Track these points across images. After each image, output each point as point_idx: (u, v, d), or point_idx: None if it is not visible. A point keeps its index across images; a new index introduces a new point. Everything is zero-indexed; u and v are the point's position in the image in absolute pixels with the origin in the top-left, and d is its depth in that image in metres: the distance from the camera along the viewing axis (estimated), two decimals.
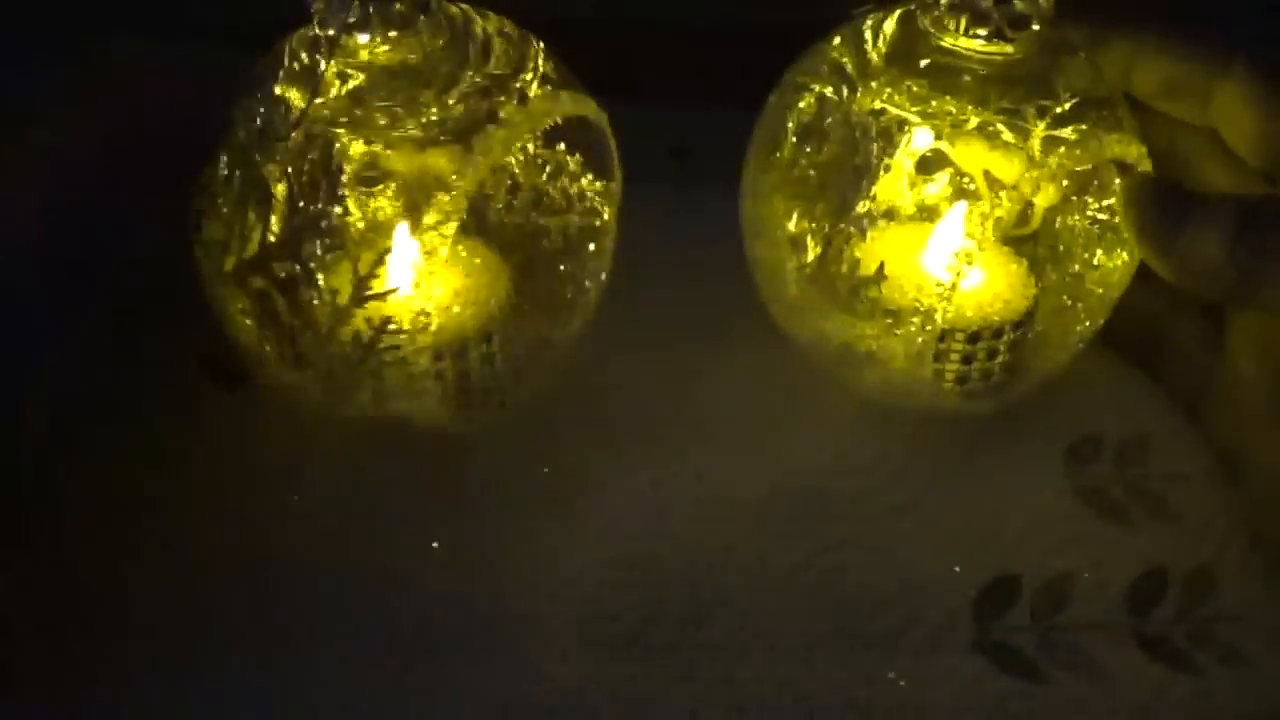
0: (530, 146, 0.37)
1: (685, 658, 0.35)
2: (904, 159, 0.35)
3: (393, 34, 0.33)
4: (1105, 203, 0.37)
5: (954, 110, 0.34)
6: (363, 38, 0.33)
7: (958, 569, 0.37)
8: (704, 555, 0.38)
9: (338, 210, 0.33)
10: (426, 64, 0.33)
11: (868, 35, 0.36)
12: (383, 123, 0.33)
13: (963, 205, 0.35)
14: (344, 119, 0.33)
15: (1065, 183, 0.38)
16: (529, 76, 0.34)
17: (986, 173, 0.34)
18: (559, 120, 0.35)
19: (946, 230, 0.36)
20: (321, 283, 0.33)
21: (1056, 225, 0.39)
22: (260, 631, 0.35)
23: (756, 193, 0.38)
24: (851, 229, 0.35)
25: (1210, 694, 0.35)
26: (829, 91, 0.36)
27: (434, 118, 0.33)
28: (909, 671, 0.35)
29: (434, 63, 0.34)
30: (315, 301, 0.33)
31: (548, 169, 0.38)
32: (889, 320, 0.36)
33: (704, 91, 0.50)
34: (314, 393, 0.36)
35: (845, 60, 0.36)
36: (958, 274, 0.34)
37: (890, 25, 0.36)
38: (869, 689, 0.35)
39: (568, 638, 0.35)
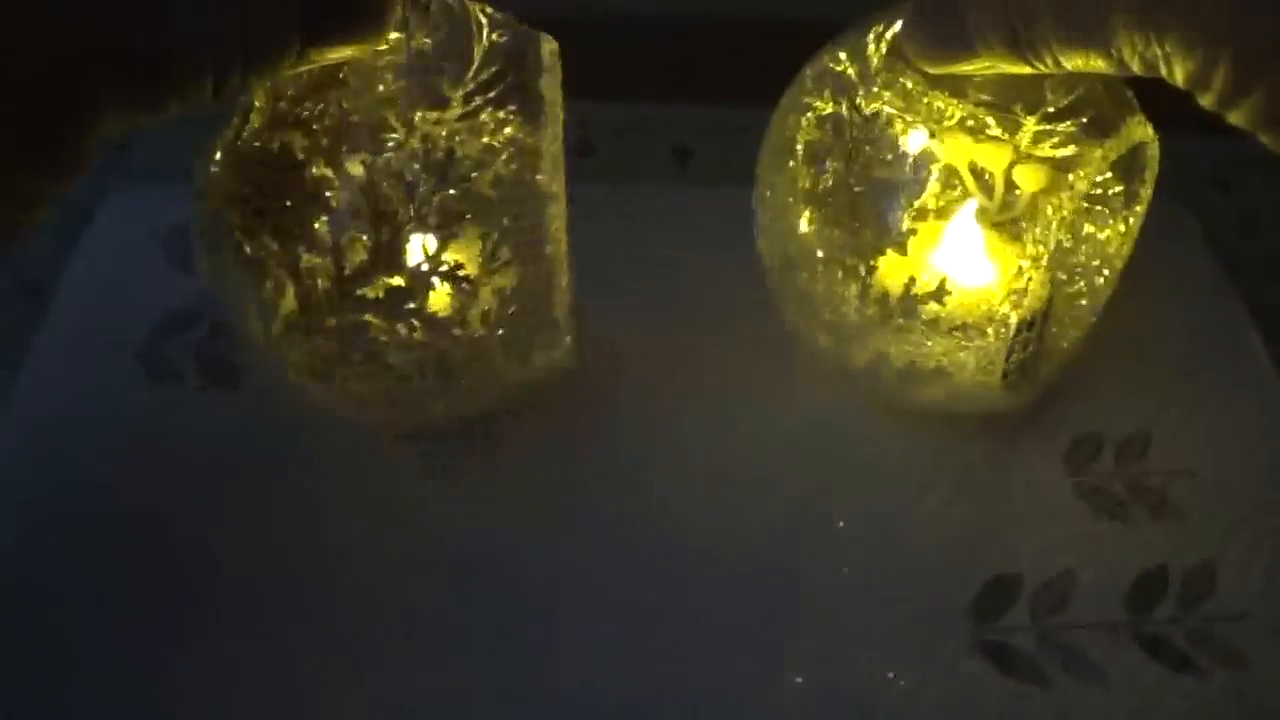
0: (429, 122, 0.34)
1: (684, 657, 0.35)
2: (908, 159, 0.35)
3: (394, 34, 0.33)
4: (1099, 178, 0.37)
5: (942, 104, 0.34)
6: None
7: (958, 569, 0.37)
8: (702, 555, 0.38)
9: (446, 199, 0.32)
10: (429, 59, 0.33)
11: (870, 45, 0.35)
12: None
13: (973, 204, 0.35)
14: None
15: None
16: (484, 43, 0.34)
17: (1010, 173, 0.34)
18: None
19: (960, 231, 0.36)
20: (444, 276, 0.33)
21: (1038, 205, 0.39)
22: (260, 628, 0.35)
23: (786, 225, 0.37)
24: (892, 248, 0.35)
25: (1210, 694, 0.35)
26: (844, 110, 0.35)
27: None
28: (909, 671, 0.35)
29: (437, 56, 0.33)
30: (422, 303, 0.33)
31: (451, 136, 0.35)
32: (959, 334, 0.36)
33: (704, 91, 0.50)
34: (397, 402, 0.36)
35: (850, 71, 0.35)
36: (1030, 279, 0.34)
37: (894, 31, 0.36)
38: (869, 689, 0.35)
39: (566, 636, 0.35)
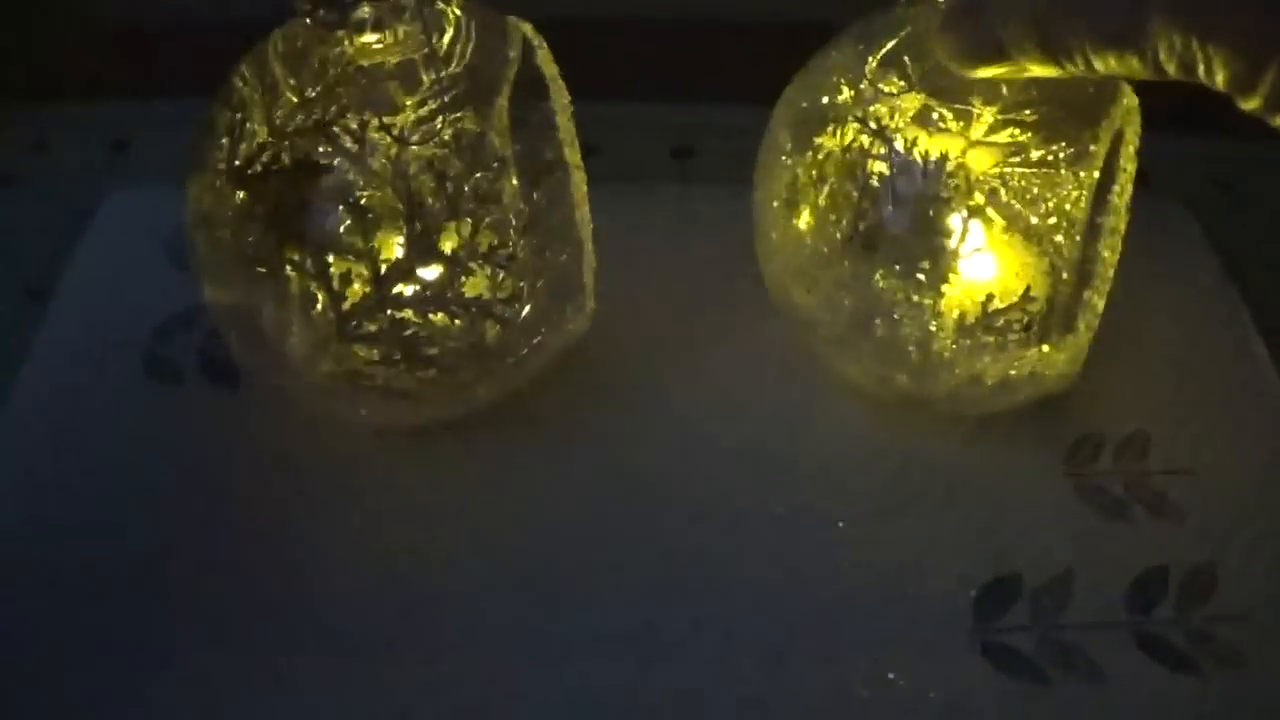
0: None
1: (685, 657, 0.35)
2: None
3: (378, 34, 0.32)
4: (1053, 147, 0.36)
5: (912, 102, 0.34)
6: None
7: (958, 569, 0.37)
8: (703, 555, 0.38)
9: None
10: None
11: (867, 71, 0.35)
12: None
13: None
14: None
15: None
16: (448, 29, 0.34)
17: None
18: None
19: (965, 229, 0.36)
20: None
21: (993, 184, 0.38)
22: (258, 628, 0.35)
23: (843, 282, 0.37)
24: (955, 270, 0.35)
25: (1210, 694, 0.35)
26: (867, 143, 0.35)
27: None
28: (909, 671, 0.35)
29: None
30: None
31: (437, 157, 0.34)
32: (1055, 335, 0.36)
33: (704, 91, 0.50)
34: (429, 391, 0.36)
35: (849, 98, 0.35)
36: (1112, 264, 0.34)
37: (885, 50, 0.36)
38: (869, 689, 0.35)
39: (567, 636, 0.35)
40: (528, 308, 0.36)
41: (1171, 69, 0.28)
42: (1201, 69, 0.28)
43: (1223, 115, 0.29)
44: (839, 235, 0.36)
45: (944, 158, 0.34)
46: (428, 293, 0.33)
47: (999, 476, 0.40)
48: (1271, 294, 0.47)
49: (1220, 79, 0.27)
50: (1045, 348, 0.36)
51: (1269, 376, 0.44)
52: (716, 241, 0.41)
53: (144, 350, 0.43)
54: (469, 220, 0.33)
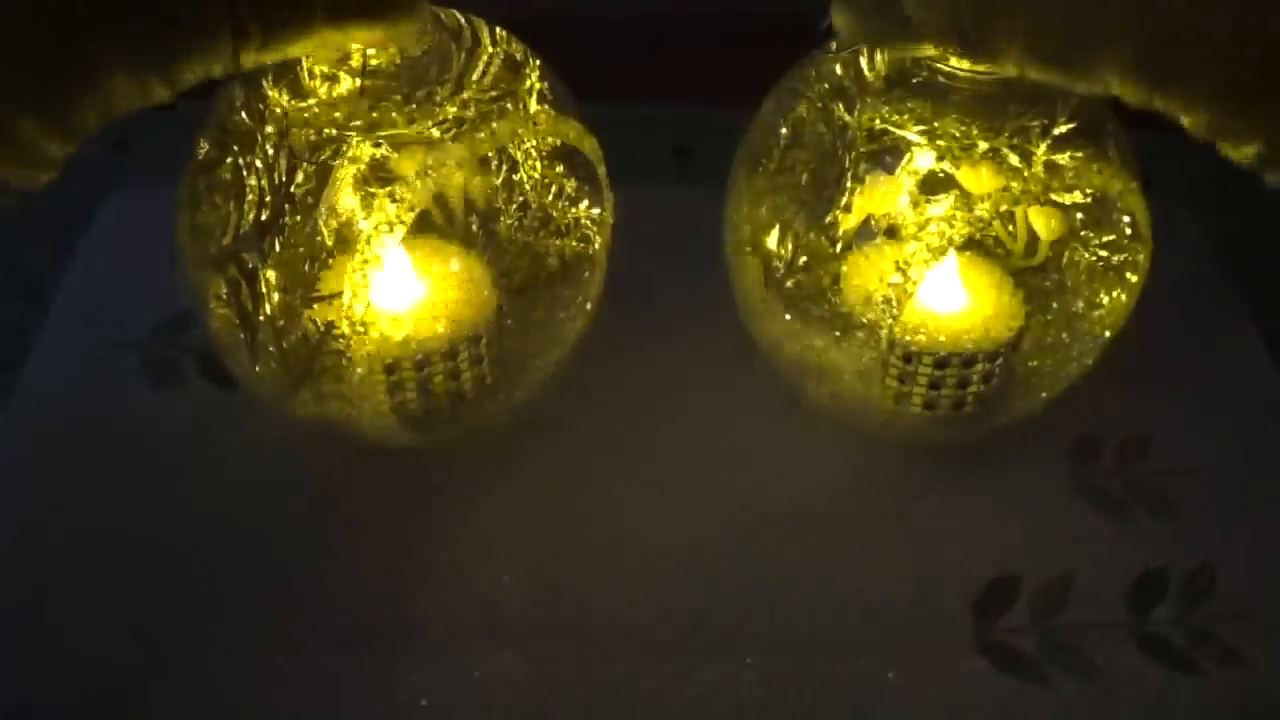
0: (538, 166, 0.37)
1: (685, 657, 0.35)
2: (905, 177, 0.34)
3: None
4: (1107, 238, 0.37)
5: (957, 133, 0.33)
6: None
7: (958, 569, 0.37)
8: (703, 555, 0.38)
9: (313, 211, 0.32)
10: (415, 69, 0.33)
11: (864, 49, 0.35)
12: (396, 123, 0.32)
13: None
14: (357, 121, 0.32)
15: (1079, 216, 0.37)
16: (526, 87, 0.34)
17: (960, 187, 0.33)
18: (553, 142, 0.36)
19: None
20: (272, 278, 0.33)
21: (1063, 261, 0.39)
22: (258, 627, 0.35)
23: (741, 201, 0.38)
24: (823, 238, 0.35)
25: (1210, 694, 0.35)
26: (820, 104, 0.35)
27: (447, 116, 0.33)
28: (909, 671, 0.35)
29: (423, 69, 0.33)
30: (273, 295, 0.33)
31: (553, 190, 0.38)
32: (836, 332, 0.36)
33: (704, 91, 0.50)
34: (267, 386, 0.35)
35: (839, 71, 0.35)
36: (901, 289, 0.33)
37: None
38: (869, 689, 0.35)
39: (566, 637, 0.36)
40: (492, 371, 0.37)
41: (1124, 98, 0.26)
42: (1157, 105, 0.26)
43: None
44: (765, 163, 0.37)
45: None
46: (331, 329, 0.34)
47: (999, 476, 0.40)
48: (1271, 294, 0.47)
49: (1180, 121, 0.26)
50: (825, 340, 0.37)
51: (1269, 376, 0.44)
52: (716, 242, 0.41)
53: (144, 350, 0.43)
54: (274, 233, 0.33)
